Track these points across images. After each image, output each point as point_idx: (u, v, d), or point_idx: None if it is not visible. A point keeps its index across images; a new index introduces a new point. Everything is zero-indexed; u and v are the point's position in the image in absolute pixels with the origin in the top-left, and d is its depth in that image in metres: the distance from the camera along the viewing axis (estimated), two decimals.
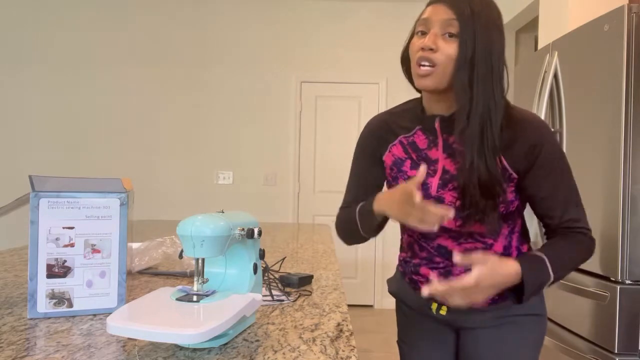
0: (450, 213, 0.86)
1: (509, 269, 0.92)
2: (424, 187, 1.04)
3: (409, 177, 1.06)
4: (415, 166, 1.06)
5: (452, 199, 1.01)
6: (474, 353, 1.11)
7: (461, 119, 0.94)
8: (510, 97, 3.98)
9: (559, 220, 1.02)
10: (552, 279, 0.95)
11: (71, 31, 4.36)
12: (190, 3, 4.38)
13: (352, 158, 1.16)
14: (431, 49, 0.93)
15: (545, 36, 2.74)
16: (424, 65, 0.94)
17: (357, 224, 1.07)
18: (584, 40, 1.79)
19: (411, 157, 1.06)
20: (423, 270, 1.11)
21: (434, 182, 1.03)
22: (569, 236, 1.01)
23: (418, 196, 0.83)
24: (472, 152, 0.94)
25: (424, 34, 0.95)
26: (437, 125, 1.01)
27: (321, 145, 4.42)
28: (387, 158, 1.11)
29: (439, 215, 0.85)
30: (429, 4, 0.97)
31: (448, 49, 0.92)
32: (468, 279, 0.88)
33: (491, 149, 0.94)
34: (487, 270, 0.88)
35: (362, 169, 1.16)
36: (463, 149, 0.95)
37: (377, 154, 1.13)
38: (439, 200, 1.02)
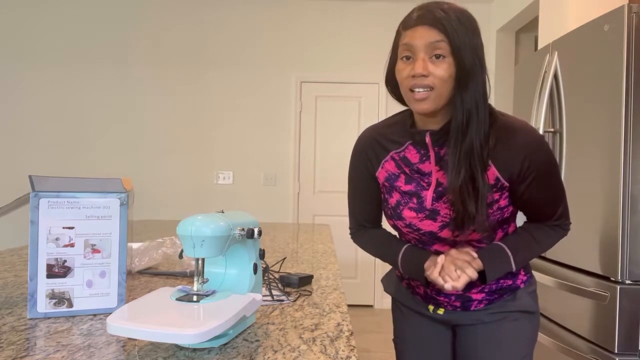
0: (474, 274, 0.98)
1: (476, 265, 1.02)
2: (419, 200, 1.04)
3: (403, 192, 1.06)
4: (409, 180, 1.05)
5: (447, 211, 1.01)
6: (472, 348, 1.13)
7: (456, 133, 0.95)
8: (510, 97, 3.98)
9: (546, 222, 1.07)
10: (513, 269, 1.04)
11: (71, 31, 4.36)
12: (190, 3, 4.38)
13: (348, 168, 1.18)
14: (423, 75, 0.91)
15: (545, 36, 2.74)
16: (419, 91, 0.93)
17: (397, 265, 1.12)
18: (584, 40, 1.79)
19: (404, 171, 1.06)
20: None
21: (428, 195, 1.03)
22: (549, 229, 1.07)
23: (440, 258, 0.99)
24: (462, 164, 0.94)
25: (409, 58, 0.94)
26: (427, 139, 1.00)
27: (321, 145, 4.42)
28: (380, 174, 1.10)
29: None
30: (408, 27, 0.93)
31: (439, 71, 0.91)
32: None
33: (481, 159, 0.95)
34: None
35: (360, 188, 1.16)
36: (452, 160, 0.95)
37: (371, 172, 1.12)
38: (434, 212, 1.02)
